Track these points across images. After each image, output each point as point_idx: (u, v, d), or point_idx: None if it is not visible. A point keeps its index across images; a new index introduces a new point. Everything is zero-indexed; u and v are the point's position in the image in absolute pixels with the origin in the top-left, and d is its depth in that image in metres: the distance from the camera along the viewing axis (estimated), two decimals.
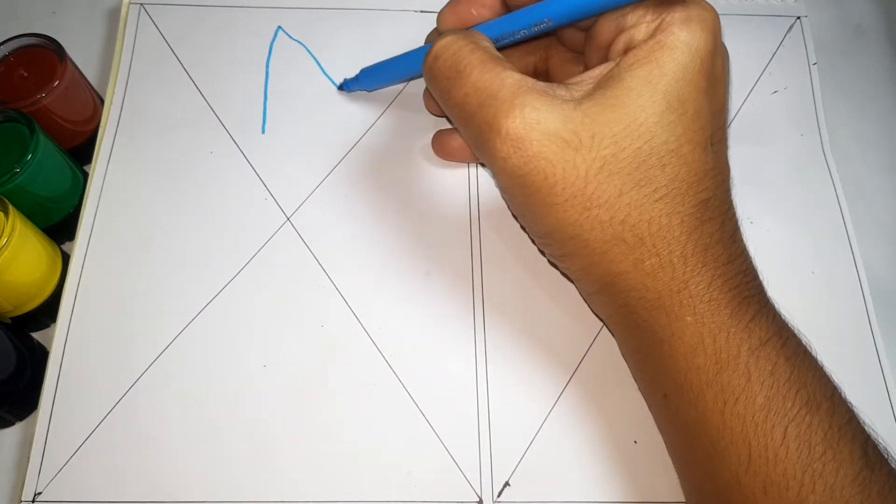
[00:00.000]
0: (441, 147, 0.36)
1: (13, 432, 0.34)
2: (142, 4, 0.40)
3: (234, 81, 0.39)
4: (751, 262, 0.28)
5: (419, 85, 0.39)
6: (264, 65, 0.39)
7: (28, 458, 0.30)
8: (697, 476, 0.28)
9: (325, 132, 0.38)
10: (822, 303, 0.36)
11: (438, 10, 0.32)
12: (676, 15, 0.27)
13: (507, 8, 0.31)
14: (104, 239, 0.35)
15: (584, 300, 0.33)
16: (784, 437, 0.25)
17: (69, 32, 0.42)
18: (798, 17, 0.43)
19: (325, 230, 0.35)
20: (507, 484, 0.31)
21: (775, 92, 0.41)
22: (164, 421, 0.31)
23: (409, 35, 0.40)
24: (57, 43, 0.37)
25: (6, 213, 0.32)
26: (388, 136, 0.38)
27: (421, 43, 0.35)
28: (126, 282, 0.34)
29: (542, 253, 0.34)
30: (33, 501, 0.30)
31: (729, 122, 0.39)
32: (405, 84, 0.39)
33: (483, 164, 0.37)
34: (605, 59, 0.29)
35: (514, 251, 0.35)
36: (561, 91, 0.27)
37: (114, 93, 0.38)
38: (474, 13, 0.31)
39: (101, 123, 0.37)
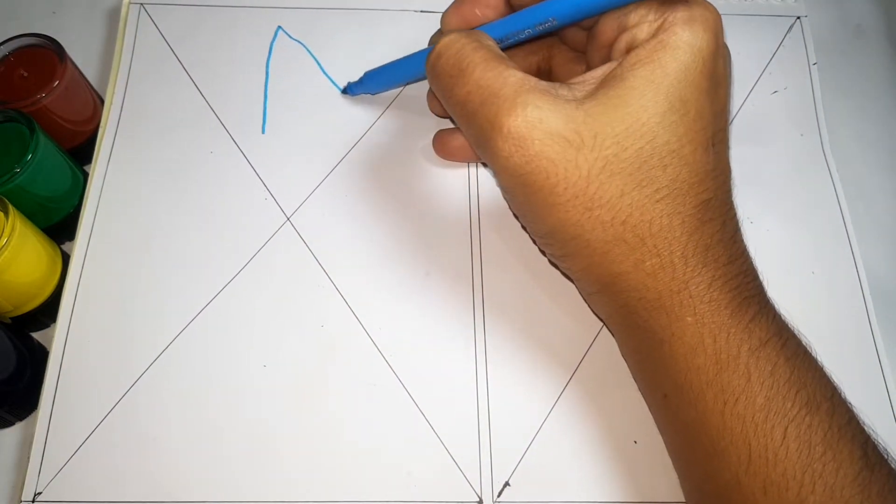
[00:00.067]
0: (442, 147, 0.36)
1: (13, 432, 0.34)
2: (142, 4, 0.40)
3: (234, 81, 0.39)
4: (751, 262, 0.28)
5: (419, 86, 0.39)
6: (264, 65, 0.39)
7: (28, 458, 0.30)
8: (697, 476, 0.28)
9: (325, 132, 0.38)
10: (822, 303, 0.36)
11: (439, 10, 0.32)
12: (679, 15, 0.27)
13: (512, 8, 0.31)
14: (104, 239, 0.35)
15: (585, 300, 0.33)
16: (784, 438, 0.25)
17: (69, 32, 0.42)
18: (798, 17, 0.43)
19: (325, 230, 0.35)
20: (507, 484, 0.31)
21: (775, 92, 0.41)
22: (164, 421, 0.31)
23: (409, 35, 0.40)
24: (57, 43, 0.37)
25: (6, 213, 0.32)
26: (388, 136, 0.38)
27: (422, 43, 0.35)
28: (126, 282, 0.34)
29: (543, 253, 0.34)
30: (33, 501, 0.30)
31: (729, 123, 0.39)
32: (406, 85, 0.39)
33: (484, 164, 0.37)
34: (607, 59, 0.29)
35: (514, 251, 0.35)
36: (563, 91, 0.27)
37: (114, 93, 0.38)
38: (478, 14, 0.31)
39: (101, 123, 0.37)
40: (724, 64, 0.28)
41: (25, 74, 0.37)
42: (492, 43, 0.29)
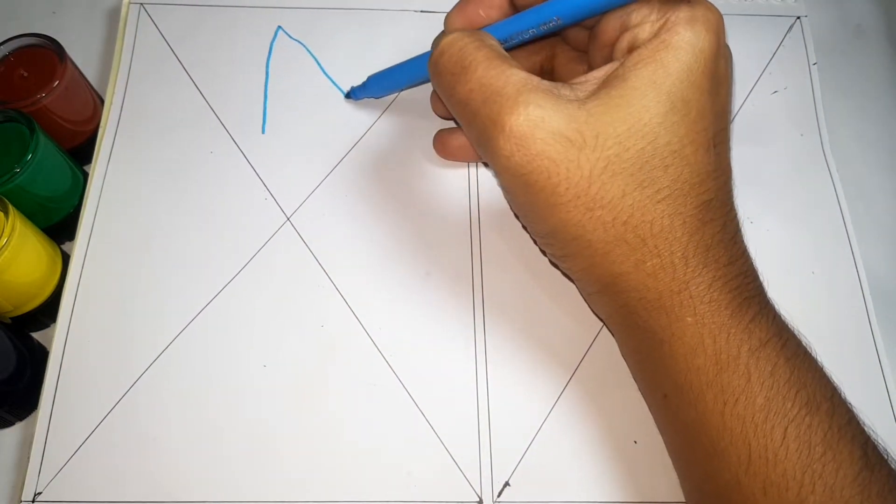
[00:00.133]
0: (442, 146, 0.36)
1: (13, 432, 0.34)
2: (142, 4, 0.40)
3: (234, 81, 0.39)
4: (751, 263, 0.28)
5: (420, 87, 0.39)
6: (264, 65, 0.39)
7: (28, 458, 0.30)
8: (697, 476, 0.28)
9: (325, 132, 0.38)
10: (822, 303, 0.36)
11: (440, 10, 0.32)
12: (681, 15, 0.26)
13: (515, 8, 0.31)
14: (104, 239, 0.35)
15: (585, 300, 0.33)
16: (784, 438, 0.25)
17: (69, 32, 0.42)
18: (798, 17, 0.43)
19: (325, 230, 0.35)
20: (507, 484, 0.31)
21: (775, 92, 0.41)
22: (164, 421, 0.31)
23: (409, 35, 0.40)
24: (57, 43, 0.37)
25: (6, 213, 0.32)
26: (388, 136, 0.38)
27: (422, 43, 0.34)
28: (126, 282, 0.34)
29: (543, 253, 0.34)
30: (33, 501, 0.30)
31: (730, 123, 0.39)
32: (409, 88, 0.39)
33: (485, 164, 0.37)
34: (608, 58, 0.29)
35: (514, 251, 0.35)
36: (565, 90, 0.27)
37: (114, 93, 0.38)
38: (482, 14, 0.31)
39: (101, 123, 0.37)
40: (726, 64, 0.28)
41: (25, 74, 0.37)
42: (495, 42, 0.29)
